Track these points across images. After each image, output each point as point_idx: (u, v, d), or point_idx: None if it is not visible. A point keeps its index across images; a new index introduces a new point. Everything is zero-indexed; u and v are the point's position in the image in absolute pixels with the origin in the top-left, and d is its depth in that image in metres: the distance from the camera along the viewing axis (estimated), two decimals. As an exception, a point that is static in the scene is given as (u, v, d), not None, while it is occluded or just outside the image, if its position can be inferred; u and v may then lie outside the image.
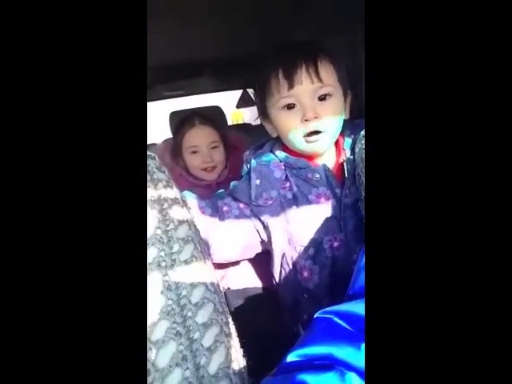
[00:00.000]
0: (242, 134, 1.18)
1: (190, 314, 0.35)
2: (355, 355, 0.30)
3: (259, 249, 0.76)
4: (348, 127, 0.69)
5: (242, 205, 0.70)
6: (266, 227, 0.70)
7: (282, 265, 0.72)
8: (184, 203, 0.42)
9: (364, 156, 0.59)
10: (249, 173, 0.70)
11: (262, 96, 0.69)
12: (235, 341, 0.38)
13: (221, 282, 0.89)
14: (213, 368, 0.34)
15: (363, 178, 0.58)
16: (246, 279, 0.92)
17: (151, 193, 0.38)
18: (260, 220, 0.70)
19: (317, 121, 0.62)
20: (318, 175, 0.66)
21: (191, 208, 0.44)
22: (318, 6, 0.82)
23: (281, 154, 0.69)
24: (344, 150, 0.68)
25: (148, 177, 0.38)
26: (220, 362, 0.35)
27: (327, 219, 0.66)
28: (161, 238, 0.36)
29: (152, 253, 0.35)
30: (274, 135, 0.71)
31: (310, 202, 0.66)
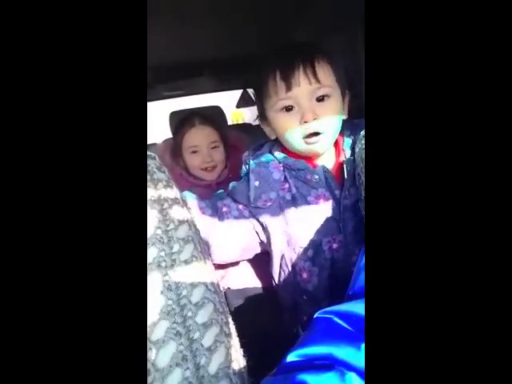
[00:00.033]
0: (242, 133, 1.18)
1: (190, 313, 0.35)
2: (355, 355, 0.30)
3: (258, 250, 0.76)
4: (348, 127, 0.69)
5: (241, 206, 0.70)
6: (265, 228, 0.70)
7: (281, 266, 0.72)
8: (184, 203, 0.42)
9: (364, 156, 0.59)
10: (247, 174, 0.70)
11: (260, 98, 0.68)
12: (235, 341, 0.38)
13: (221, 282, 0.89)
14: (213, 368, 0.34)
15: (363, 178, 0.58)
16: (246, 279, 0.91)
17: (151, 193, 0.38)
18: (259, 221, 0.70)
19: (316, 122, 0.62)
20: (317, 176, 0.66)
21: (191, 208, 0.44)
22: (317, 6, 0.82)
23: (279, 155, 0.69)
24: (343, 150, 0.68)
25: (148, 177, 0.38)
26: (220, 362, 0.35)
27: (326, 220, 0.65)
28: (161, 237, 0.36)
29: (152, 253, 0.35)
30: (273, 137, 0.71)
31: (309, 204, 0.66)
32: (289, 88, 0.62)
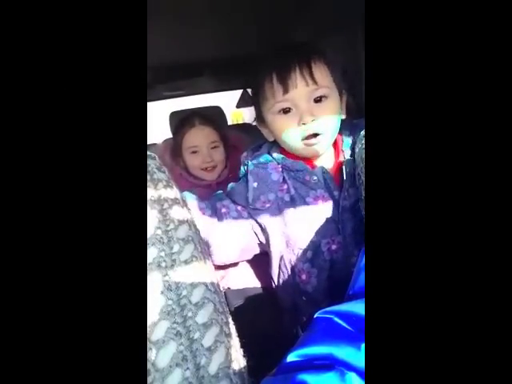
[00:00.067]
0: (241, 133, 1.18)
1: (190, 314, 0.35)
2: (355, 355, 0.30)
3: (257, 250, 0.75)
4: (347, 127, 0.69)
5: (239, 207, 0.69)
6: (263, 229, 0.70)
7: (280, 267, 0.71)
8: (184, 203, 0.42)
9: (364, 156, 0.59)
10: (246, 175, 0.70)
11: (257, 101, 0.68)
12: (235, 341, 0.38)
13: (221, 282, 0.89)
14: (213, 368, 0.34)
15: (363, 178, 0.58)
16: (246, 279, 0.91)
17: (151, 193, 0.38)
18: (258, 222, 0.69)
19: (314, 123, 0.61)
20: (315, 177, 0.66)
21: (191, 209, 0.44)
22: (317, 6, 0.82)
23: (278, 155, 0.69)
24: (343, 151, 0.67)
25: (148, 177, 0.38)
26: (220, 362, 0.35)
27: (325, 222, 0.65)
28: (161, 238, 0.36)
29: (152, 253, 0.35)
30: (271, 139, 0.71)
31: (307, 205, 0.66)
32: (286, 90, 0.61)
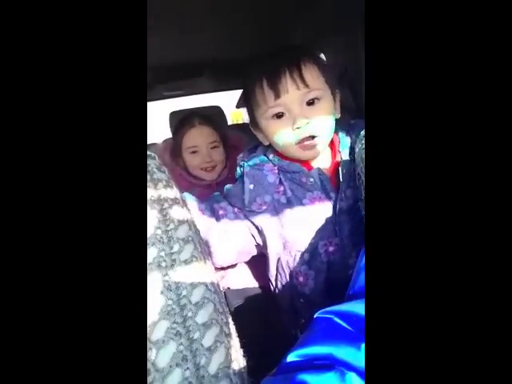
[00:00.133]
0: (241, 133, 1.17)
1: (190, 314, 0.35)
2: (355, 355, 0.30)
3: (255, 252, 0.75)
4: (344, 128, 0.68)
5: (236, 209, 0.69)
6: (260, 232, 0.69)
7: (277, 269, 0.71)
8: (184, 203, 0.42)
9: (364, 156, 0.59)
10: (242, 177, 0.69)
11: (250, 106, 0.68)
12: (235, 341, 0.38)
13: (221, 282, 0.89)
14: (213, 368, 0.34)
15: (363, 178, 0.58)
16: (246, 279, 0.91)
17: (151, 193, 0.38)
18: (254, 225, 0.69)
19: (309, 126, 0.61)
20: (312, 179, 0.65)
21: (191, 210, 0.44)
22: (317, 6, 0.82)
23: (274, 157, 0.68)
24: (340, 152, 0.67)
25: (148, 177, 0.38)
26: (220, 362, 0.35)
27: (322, 224, 0.65)
28: (161, 237, 0.36)
29: (152, 253, 0.35)
30: (267, 143, 0.70)
31: (304, 207, 0.65)
32: (277, 95, 0.61)
